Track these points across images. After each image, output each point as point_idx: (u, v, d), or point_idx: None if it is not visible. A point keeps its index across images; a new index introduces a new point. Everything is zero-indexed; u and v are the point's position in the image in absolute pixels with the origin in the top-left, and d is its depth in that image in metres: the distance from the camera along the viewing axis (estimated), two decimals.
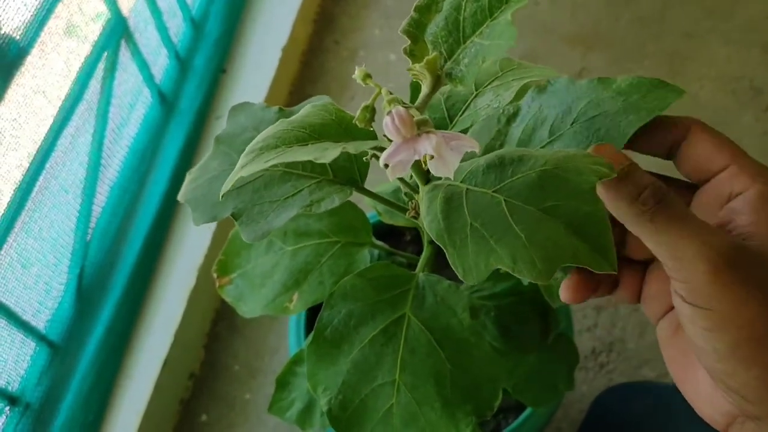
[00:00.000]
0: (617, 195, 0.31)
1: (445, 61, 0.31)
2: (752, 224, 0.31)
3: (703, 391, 0.33)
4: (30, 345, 0.79)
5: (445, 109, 0.41)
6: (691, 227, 0.30)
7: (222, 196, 0.41)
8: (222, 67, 1.17)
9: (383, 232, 0.76)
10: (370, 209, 0.59)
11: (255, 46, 1.20)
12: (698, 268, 0.29)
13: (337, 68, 1.29)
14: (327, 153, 0.26)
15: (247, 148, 0.28)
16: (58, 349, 0.82)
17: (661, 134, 0.35)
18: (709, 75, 1.23)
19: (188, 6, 1.08)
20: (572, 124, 0.38)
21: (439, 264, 0.71)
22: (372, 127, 0.31)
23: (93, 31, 0.86)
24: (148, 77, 0.98)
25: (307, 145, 0.28)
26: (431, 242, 0.47)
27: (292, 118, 0.30)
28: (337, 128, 0.31)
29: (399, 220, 0.57)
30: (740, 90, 1.20)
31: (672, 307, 0.35)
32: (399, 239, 0.80)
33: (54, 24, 0.77)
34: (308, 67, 1.29)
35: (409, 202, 0.43)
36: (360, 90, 1.23)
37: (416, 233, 0.79)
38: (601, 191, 0.31)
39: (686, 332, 0.31)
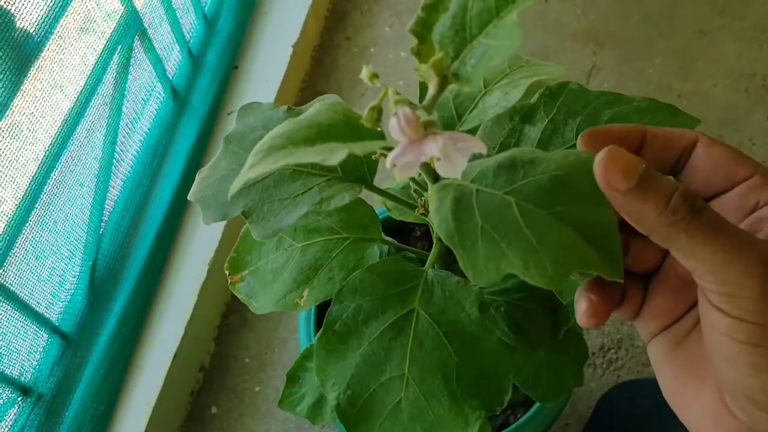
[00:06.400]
0: (642, 205, 0.29)
1: (452, 61, 0.30)
2: None
3: (708, 409, 0.32)
4: (43, 336, 0.80)
5: (453, 108, 0.41)
6: (733, 240, 0.28)
7: (232, 195, 0.42)
8: (234, 63, 1.17)
9: (393, 227, 0.76)
10: (379, 205, 0.59)
11: (266, 43, 1.21)
12: (746, 284, 0.28)
13: (348, 65, 1.29)
14: (334, 155, 0.26)
15: (255, 148, 0.27)
16: (70, 341, 0.83)
17: (667, 147, 0.33)
18: (721, 73, 1.22)
19: (201, 2, 1.09)
20: None
21: (450, 259, 0.71)
22: (380, 126, 0.31)
23: (109, 26, 0.87)
24: (162, 73, 0.98)
25: (314, 145, 0.28)
26: (441, 239, 0.47)
27: (300, 117, 0.30)
28: (345, 128, 0.30)
29: (409, 216, 0.57)
30: (752, 88, 1.20)
31: (669, 324, 0.34)
32: (409, 235, 0.80)
33: (71, 19, 0.78)
34: (319, 63, 1.30)
35: (419, 199, 0.43)
36: (371, 87, 1.23)
37: (426, 228, 0.79)
38: (620, 201, 0.29)
39: (712, 346, 0.30)
